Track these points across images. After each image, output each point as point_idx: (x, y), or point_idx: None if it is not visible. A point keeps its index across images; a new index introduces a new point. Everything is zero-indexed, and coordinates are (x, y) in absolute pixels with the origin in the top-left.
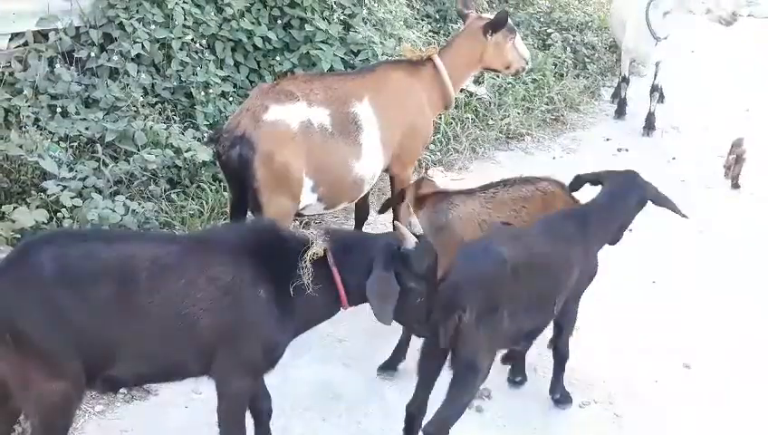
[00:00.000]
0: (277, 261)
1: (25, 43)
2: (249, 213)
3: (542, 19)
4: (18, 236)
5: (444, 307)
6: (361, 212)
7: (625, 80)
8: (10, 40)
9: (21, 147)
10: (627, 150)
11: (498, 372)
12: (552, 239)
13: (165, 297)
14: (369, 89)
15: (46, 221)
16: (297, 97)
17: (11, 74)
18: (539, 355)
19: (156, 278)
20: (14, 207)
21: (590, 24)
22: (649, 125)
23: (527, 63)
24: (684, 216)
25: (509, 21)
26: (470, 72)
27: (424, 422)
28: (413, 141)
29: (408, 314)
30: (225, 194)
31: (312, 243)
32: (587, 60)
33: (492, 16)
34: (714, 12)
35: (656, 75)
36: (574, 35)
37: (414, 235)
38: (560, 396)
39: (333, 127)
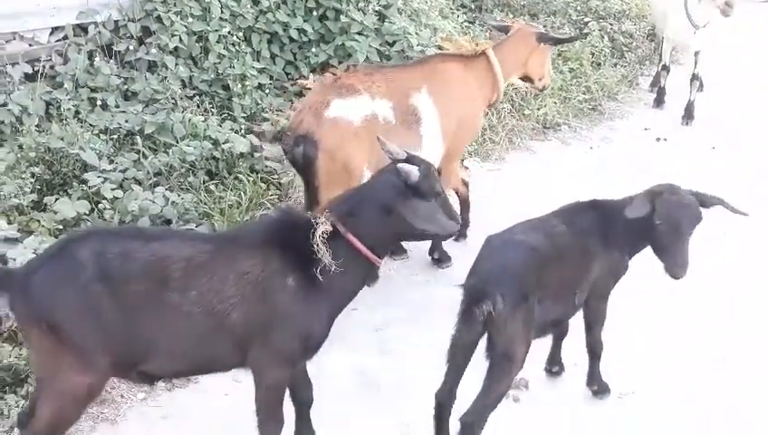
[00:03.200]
0: (302, 247)
1: (65, 37)
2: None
3: (579, 8)
4: (60, 227)
5: (474, 296)
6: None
7: (665, 68)
8: (50, 34)
9: (62, 139)
10: (666, 140)
11: (535, 363)
12: (571, 229)
13: (198, 296)
14: (426, 80)
15: (87, 212)
16: (359, 91)
17: (51, 68)
18: (576, 346)
19: (189, 278)
20: (56, 199)
21: (627, 12)
22: (689, 114)
23: (553, 81)
24: (743, 213)
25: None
26: (515, 72)
27: (459, 413)
28: (464, 134)
29: (437, 223)
30: (263, 185)
31: (317, 223)
32: (624, 48)
33: (540, 28)
34: (714, 1)
35: (696, 64)
36: (612, 24)
37: (407, 160)
38: (597, 387)
39: (396, 118)
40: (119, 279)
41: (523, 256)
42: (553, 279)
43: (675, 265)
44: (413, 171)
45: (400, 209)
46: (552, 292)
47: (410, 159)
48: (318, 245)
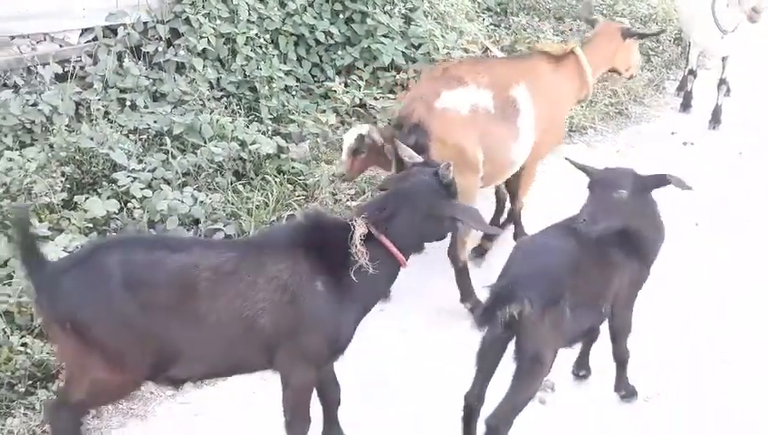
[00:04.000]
0: (329, 250)
1: (95, 38)
2: None
3: (605, 12)
4: (90, 225)
5: (500, 298)
6: (511, 189)
7: (692, 72)
8: (80, 35)
9: (92, 139)
10: (692, 144)
11: (562, 366)
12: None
13: (226, 303)
14: (525, 75)
15: (117, 211)
16: (466, 81)
17: (81, 68)
18: (602, 350)
19: (217, 286)
20: (86, 198)
21: (653, 16)
22: (716, 119)
23: (640, 70)
24: (688, 187)
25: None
26: (603, 68)
27: (484, 413)
28: (552, 132)
29: (479, 221)
30: (290, 186)
31: (354, 225)
32: (651, 52)
33: (623, 23)
34: (742, 5)
35: (723, 68)
36: (638, 28)
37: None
38: (625, 392)
39: (496, 109)
40: (145, 287)
41: (555, 260)
42: (585, 286)
43: None
44: (448, 174)
45: (443, 209)
46: (585, 298)
47: (428, 163)
48: (356, 247)
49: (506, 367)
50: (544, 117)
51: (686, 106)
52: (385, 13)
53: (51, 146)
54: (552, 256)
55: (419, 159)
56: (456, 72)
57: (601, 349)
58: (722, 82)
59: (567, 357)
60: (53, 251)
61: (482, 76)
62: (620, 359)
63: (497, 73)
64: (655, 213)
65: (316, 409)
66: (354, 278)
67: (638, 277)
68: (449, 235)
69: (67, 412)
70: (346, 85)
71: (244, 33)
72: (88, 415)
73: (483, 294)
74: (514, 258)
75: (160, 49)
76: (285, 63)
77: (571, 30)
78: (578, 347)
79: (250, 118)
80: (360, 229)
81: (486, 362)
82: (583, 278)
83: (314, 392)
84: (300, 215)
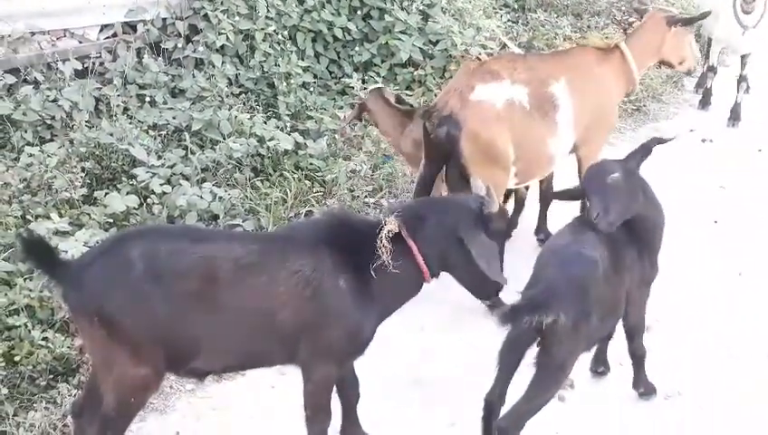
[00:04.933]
0: (354, 248)
1: (114, 35)
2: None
3: (623, 8)
4: (110, 220)
5: (534, 307)
6: (546, 192)
7: (712, 69)
8: (100, 31)
9: (111, 135)
10: (711, 141)
11: (581, 363)
12: (612, 239)
13: (248, 295)
14: (565, 70)
15: (137, 207)
16: (502, 76)
17: (101, 64)
18: (621, 346)
19: (238, 278)
20: (106, 193)
21: None
22: (735, 116)
23: (697, 63)
24: (670, 139)
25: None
26: (651, 60)
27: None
28: (601, 126)
29: (492, 268)
30: (307, 182)
31: (386, 222)
32: None
33: (673, 10)
34: (763, 1)
35: (744, 65)
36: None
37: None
38: (644, 389)
39: (531, 105)
40: (169, 278)
41: (589, 273)
42: (612, 293)
43: None
44: (494, 203)
45: (467, 235)
46: (610, 306)
47: (484, 200)
48: (381, 241)
49: (525, 367)
50: (587, 111)
51: (705, 103)
52: (402, 9)
53: (71, 141)
54: (586, 268)
55: (483, 188)
56: (492, 67)
57: (619, 346)
58: (741, 78)
59: (586, 355)
60: (73, 246)
61: (519, 72)
62: (637, 356)
63: (536, 69)
64: (652, 193)
65: (335, 404)
66: (374, 275)
67: (648, 275)
68: None
69: (111, 433)
70: (363, 82)
71: (263, 29)
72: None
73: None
74: (548, 264)
75: (179, 45)
76: (303, 60)
77: (589, 27)
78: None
79: (268, 114)
80: (389, 226)
81: (508, 362)
82: (610, 288)
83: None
84: (326, 211)
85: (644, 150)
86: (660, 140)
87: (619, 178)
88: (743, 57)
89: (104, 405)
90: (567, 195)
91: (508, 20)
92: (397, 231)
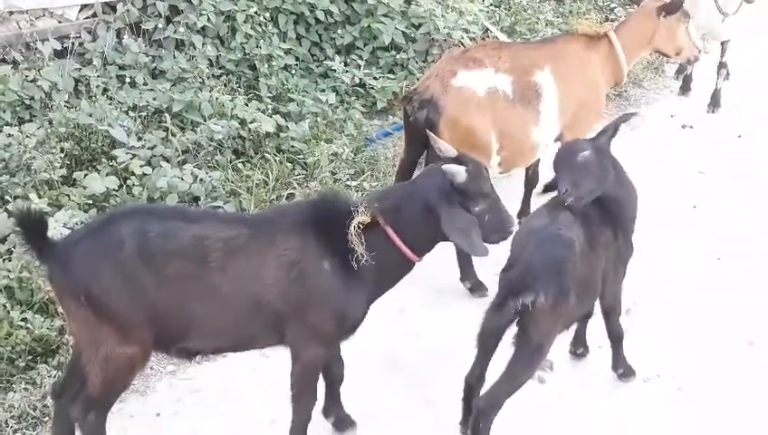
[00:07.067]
0: (340, 232)
1: (94, 15)
2: None
3: None
4: (90, 202)
5: (515, 288)
6: (531, 178)
7: None
8: (80, 11)
9: (91, 115)
10: (691, 127)
11: (560, 344)
12: (587, 219)
13: (236, 276)
14: (550, 59)
15: (116, 188)
16: (485, 64)
17: (81, 45)
18: (600, 327)
19: (227, 259)
20: (86, 174)
21: None
22: (715, 102)
23: (699, 52)
24: (633, 113)
25: (683, 7)
26: (641, 51)
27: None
28: (587, 114)
29: (486, 232)
30: (289, 165)
31: (356, 212)
32: None
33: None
34: None
35: (723, 52)
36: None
37: (457, 159)
38: (623, 371)
39: (515, 94)
40: (158, 258)
41: (567, 253)
42: (589, 273)
43: None
44: (460, 172)
45: (440, 213)
46: (587, 286)
47: (460, 158)
48: (351, 234)
49: (505, 347)
50: (572, 100)
51: (685, 89)
52: None
53: (50, 122)
54: (563, 247)
55: (453, 152)
56: (476, 55)
57: (599, 327)
58: (721, 65)
59: (565, 337)
60: (53, 227)
61: (503, 60)
62: (614, 336)
63: (520, 58)
64: (623, 171)
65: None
66: (354, 264)
67: (624, 254)
68: None
69: (94, 414)
70: (346, 64)
71: (244, 10)
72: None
73: (490, 280)
74: (525, 244)
75: (160, 26)
76: (285, 42)
77: (570, 12)
78: (574, 326)
79: (249, 96)
80: (360, 217)
81: (487, 345)
82: (587, 266)
83: None
84: (316, 194)
85: (612, 129)
86: (626, 117)
87: (589, 155)
88: (723, 44)
89: (88, 385)
90: (551, 187)
91: (491, 4)
92: (368, 221)
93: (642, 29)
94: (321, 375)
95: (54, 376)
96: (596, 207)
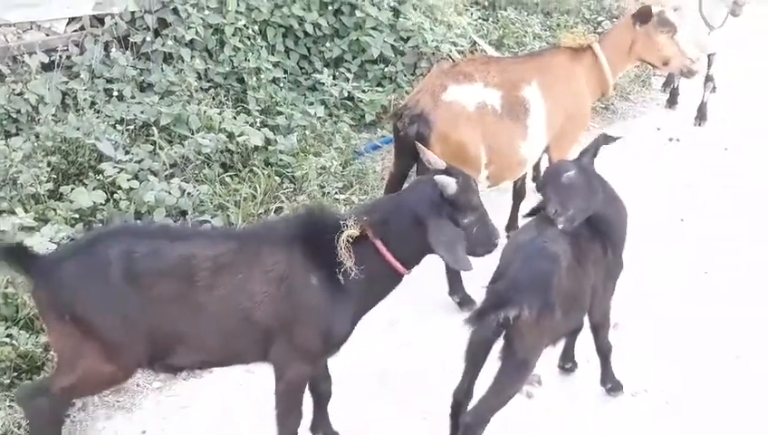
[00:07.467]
0: (327, 247)
1: (82, 28)
2: None
3: (592, 6)
4: (76, 216)
5: (499, 301)
6: (519, 191)
7: None
8: (67, 24)
9: (78, 129)
10: (678, 140)
11: (548, 359)
12: (576, 234)
13: (224, 293)
14: (537, 73)
15: (103, 202)
16: (475, 78)
17: (68, 58)
18: (588, 342)
19: (214, 276)
20: (73, 188)
21: None
22: (702, 115)
23: (692, 62)
24: (617, 137)
25: (666, 16)
26: (626, 61)
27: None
28: (573, 126)
29: (473, 245)
30: (277, 178)
31: (345, 225)
32: None
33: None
34: (725, 0)
35: (710, 65)
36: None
37: (446, 172)
38: (611, 385)
39: (503, 108)
40: (145, 278)
41: (552, 267)
42: (576, 287)
43: None
44: (451, 183)
45: (427, 225)
46: (574, 300)
47: (449, 171)
48: (341, 248)
49: (493, 361)
50: (560, 113)
51: (672, 102)
52: (374, 5)
53: (37, 136)
54: (548, 261)
55: (442, 165)
56: (466, 69)
57: (587, 342)
58: (708, 78)
59: (553, 351)
60: (39, 242)
61: (492, 75)
62: (603, 352)
63: (508, 72)
64: (611, 189)
65: (306, 400)
66: (341, 278)
67: (613, 270)
68: None
69: (47, 400)
70: (334, 77)
71: (233, 23)
72: (71, 406)
73: (479, 294)
74: (513, 260)
75: (148, 39)
76: (273, 55)
77: (558, 25)
78: (562, 341)
79: (237, 109)
80: (348, 230)
81: (474, 360)
82: (574, 281)
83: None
84: (303, 208)
85: (593, 149)
86: (608, 139)
87: (574, 175)
88: (709, 57)
89: (54, 377)
90: (536, 211)
91: (479, 17)
92: (357, 234)
93: (622, 39)
94: (308, 391)
95: None
96: (586, 225)
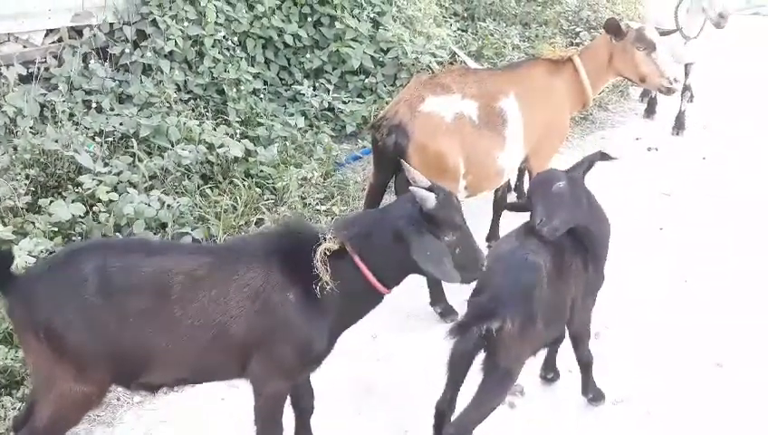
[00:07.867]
0: (304, 262)
1: (60, 39)
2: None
3: (570, 18)
4: (55, 229)
5: (481, 313)
6: (500, 201)
7: None
8: (45, 36)
9: (57, 141)
10: (656, 150)
11: (530, 369)
12: (557, 246)
13: (199, 309)
14: (515, 85)
15: (82, 215)
16: (453, 90)
17: (46, 70)
18: (570, 352)
19: (190, 291)
20: (51, 201)
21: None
22: (680, 124)
23: (671, 82)
24: (615, 157)
25: (646, 34)
26: (605, 74)
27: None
28: (552, 137)
29: (456, 268)
30: (258, 190)
31: (323, 239)
32: None
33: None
34: (707, 11)
35: (687, 75)
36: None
37: (429, 189)
38: (593, 395)
39: (481, 120)
40: (120, 293)
41: (533, 279)
42: (556, 298)
43: None
44: (429, 197)
45: (409, 241)
46: (555, 312)
47: (432, 188)
48: (317, 262)
49: (476, 372)
50: (538, 124)
51: (650, 112)
52: (353, 17)
53: (14, 148)
54: (530, 273)
55: (426, 183)
56: (444, 80)
57: (569, 352)
58: (685, 88)
59: (535, 361)
60: (17, 256)
61: (470, 86)
62: (584, 363)
63: (486, 84)
64: (597, 203)
65: (288, 415)
66: (318, 293)
67: (593, 283)
68: None
69: None
70: (314, 88)
71: (212, 35)
72: None
73: (462, 306)
74: (494, 270)
75: (127, 51)
76: (253, 66)
77: (537, 36)
78: (544, 351)
79: (217, 121)
80: (326, 244)
81: (457, 371)
82: (555, 293)
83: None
84: (281, 222)
85: (588, 163)
86: (605, 156)
87: (564, 186)
88: (686, 67)
89: (35, 417)
90: (518, 207)
91: (458, 29)
92: (336, 248)
93: (601, 53)
94: (291, 406)
95: (18, 408)
96: (568, 237)
